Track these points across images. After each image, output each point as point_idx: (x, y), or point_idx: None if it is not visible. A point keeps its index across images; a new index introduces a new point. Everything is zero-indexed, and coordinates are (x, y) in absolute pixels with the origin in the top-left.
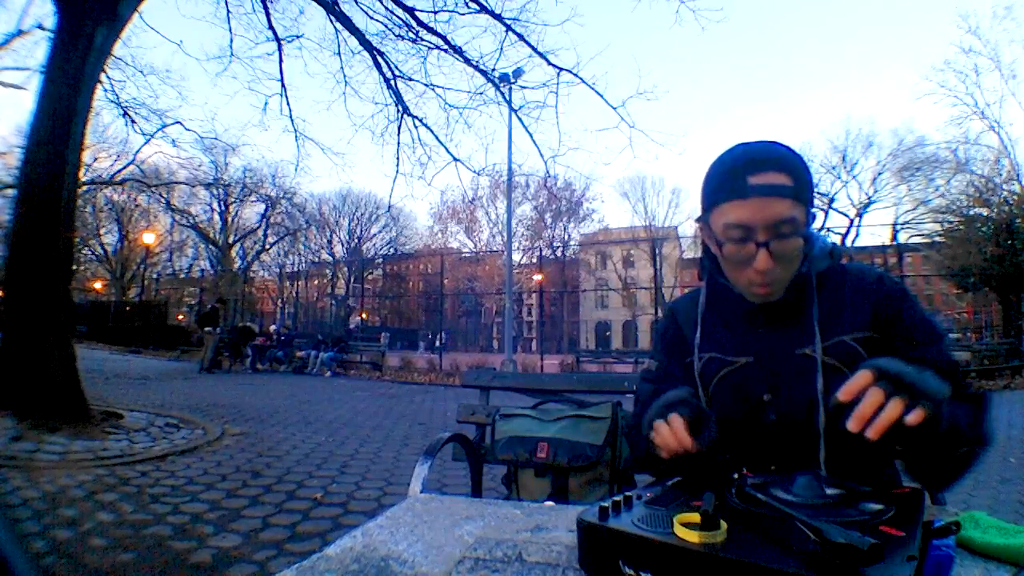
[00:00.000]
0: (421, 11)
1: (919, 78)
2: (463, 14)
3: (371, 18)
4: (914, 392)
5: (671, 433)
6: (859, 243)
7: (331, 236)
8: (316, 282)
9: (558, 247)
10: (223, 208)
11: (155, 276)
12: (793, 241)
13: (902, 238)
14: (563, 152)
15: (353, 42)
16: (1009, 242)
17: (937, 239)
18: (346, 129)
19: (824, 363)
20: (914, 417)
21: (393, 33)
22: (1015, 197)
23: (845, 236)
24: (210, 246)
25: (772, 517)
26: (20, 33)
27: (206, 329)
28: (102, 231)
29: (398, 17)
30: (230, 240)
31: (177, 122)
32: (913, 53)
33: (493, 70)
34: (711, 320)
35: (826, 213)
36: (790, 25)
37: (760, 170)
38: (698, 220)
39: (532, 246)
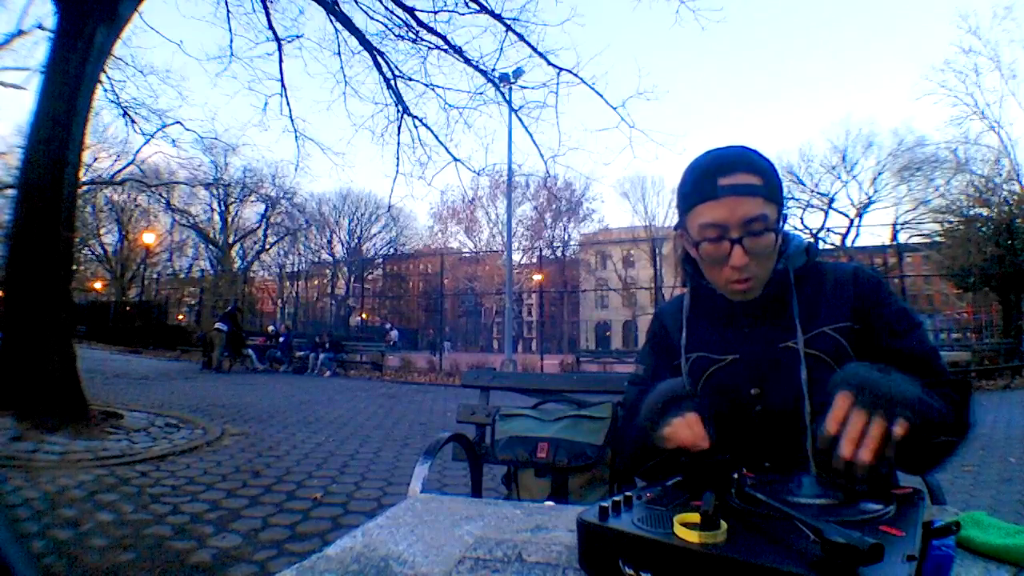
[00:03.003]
0: (421, 11)
1: (919, 78)
2: (463, 14)
3: (371, 18)
4: (892, 403)
5: (687, 427)
6: (859, 243)
7: (331, 236)
8: (316, 282)
9: (558, 247)
10: (223, 208)
11: (155, 276)
12: (766, 237)
13: (902, 238)
14: (563, 152)
15: (353, 42)
16: (1009, 242)
17: (937, 239)
18: (346, 129)
19: (807, 355)
20: (900, 429)
21: (393, 33)
22: (1015, 197)
23: (845, 236)
24: (210, 246)
25: (772, 517)
26: (20, 33)
27: (215, 327)
28: (102, 231)
29: (398, 17)
30: (230, 240)
31: (177, 122)
32: (913, 53)
33: (493, 70)
34: (696, 321)
35: (826, 213)
36: (790, 25)
37: (730, 172)
38: (676, 228)
39: (532, 246)
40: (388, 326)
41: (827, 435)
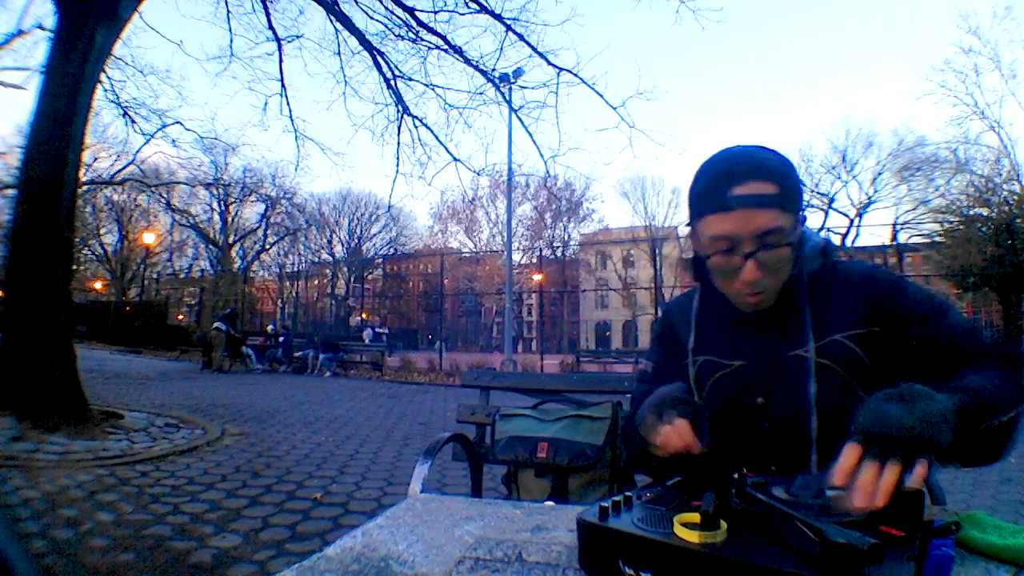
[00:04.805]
0: (421, 11)
1: (919, 78)
2: (463, 14)
3: (371, 18)
4: (907, 447)
5: (676, 435)
6: (859, 243)
7: (331, 236)
8: (316, 282)
9: (558, 247)
10: (223, 208)
11: (155, 276)
12: (780, 251)
13: (902, 238)
14: (563, 152)
15: (353, 42)
16: (1009, 242)
17: (937, 239)
18: (346, 129)
19: (818, 364)
20: (917, 475)
21: (393, 33)
22: (1015, 197)
23: (845, 236)
24: (210, 246)
25: (772, 517)
26: (20, 33)
27: (214, 327)
28: (102, 231)
29: (398, 17)
30: (230, 240)
31: (177, 122)
32: (913, 53)
33: (493, 70)
34: (705, 322)
35: (826, 213)
36: (790, 25)
37: (743, 180)
38: (688, 225)
39: (532, 246)
40: (372, 325)
41: (837, 486)
